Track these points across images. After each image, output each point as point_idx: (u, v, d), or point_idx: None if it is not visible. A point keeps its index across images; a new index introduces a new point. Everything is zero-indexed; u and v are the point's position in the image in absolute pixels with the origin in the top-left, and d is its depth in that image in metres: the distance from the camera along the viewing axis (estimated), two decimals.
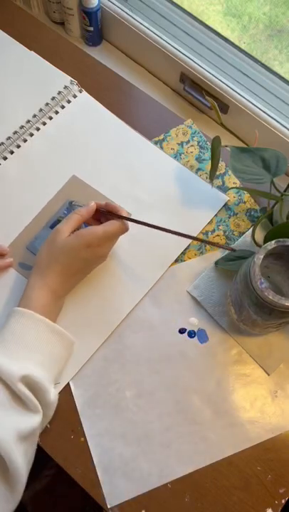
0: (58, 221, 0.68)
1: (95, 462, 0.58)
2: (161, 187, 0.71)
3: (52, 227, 0.67)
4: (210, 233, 0.70)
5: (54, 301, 0.59)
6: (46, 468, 0.89)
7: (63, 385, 0.60)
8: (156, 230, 0.68)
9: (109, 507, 0.56)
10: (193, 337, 0.64)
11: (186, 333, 0.64)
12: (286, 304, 0.50)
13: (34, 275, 0.60)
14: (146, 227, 0.61)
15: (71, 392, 0.60)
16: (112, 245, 0.63)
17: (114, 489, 0.57)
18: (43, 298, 0.58)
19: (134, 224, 0.68)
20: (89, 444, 0.58)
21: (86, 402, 0.60)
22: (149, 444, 0.59)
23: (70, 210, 0.68)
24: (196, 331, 0.64)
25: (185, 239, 0.68)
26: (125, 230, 0.61)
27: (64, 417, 0.59)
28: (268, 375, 0.62)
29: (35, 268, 0.60)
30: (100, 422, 0.59)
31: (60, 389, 0.60)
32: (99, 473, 0.57)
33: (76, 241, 0.58)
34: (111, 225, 0.60)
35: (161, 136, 0.75)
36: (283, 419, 0.61)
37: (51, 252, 0.59)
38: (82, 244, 0.58)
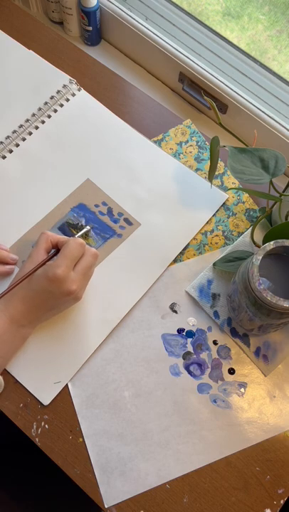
0: (68, 223, 0.68)
1: (92, 462, 0.58)
2: (160, 185, 0.71)
3: (59, 228, 0.67)
4: (209, 233, 0.70)
5: (14, 330, 0.57)
6: (44, 469, 0.89)
7: (63, 386, 0.60)
8: (155, 231, 0.69)
9: (106, 507, 0.56)
10: (191, 337, 0.64)
11: (185, 332, 0.64)
12: (284, 305, 0.50)
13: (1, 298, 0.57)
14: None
15: (69, 392, 0.60)
16: (77, 279, 0.57)
17: (112, 489, 0.57)
18: (1, 325, 0.56)
19: (135, 225, 0.68)
20: (86, 443, 0.58)
21: (84, 402, 0.60)
22: (147, 444, 0.59)
23: (79, 213, 0.68)
24: (194, 331, 0.64)
25: (184, 239, 0.68)
26: (81, 246, 0.58)
27: (62, 418, 0.59)
28: (265, 376, 0.62)
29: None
30: (98, 422, 0.59)
31: (60, 389, 0.60)
32: (96, 473, 0.57)
33: (42, 271, 0.56)
34: (65, 247, 0.57)
35: (160, 136, 0.75)
36: (281, 419, 0.61)
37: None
38: (47, 277, 0.55)
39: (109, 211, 0.69)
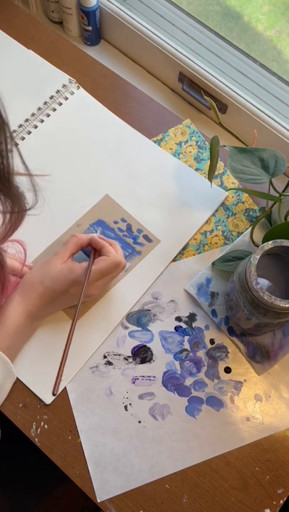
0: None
1: (86, 456, 0.57)
2: (160, 183, 0.71)
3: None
4: (208, 233, 0.69)
5: (28, 323, 0.58)
6: (44, 469, 0.89)
7: (65, 384, 0.60)
8: (157, 230, 0.68)
9: (98, 501, 0.56)
10: (188, 335, 0.64)
11: (182, 330, 0.64)
12: (281, 304, 0.50)
13: (17, 291, 0.58)
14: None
15: (68, 393, 0.60)
16: (101, 286, 0.60)
17: (105, 484, 0.56)
18: (18, 317, 0.57)
19: (137, 221, 0.68)
20: (81, 437, 0.58)
21: (79, 397, 0.60)
22: (141, 440, 0.58)
23: (96, 230, 0.68)
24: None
25: (184, 238, 0.68)
26: (117, 265, 0.59)
27: (61, 418, 0.59)
28: (258, 375, 0.62)
29: (21, 283, 0.59)
30: (93, 417, 0.59)
31: (62, 388, 0.60)
32: (90, 468, 0.57)
33: (67, 273, 0.58)
34: (101, 262, 0.59)
35: (160, 136, 0.75)
36: (276, 419, 0.60)
37: (42, 272, 0.58)
38: (71, 280, 0.57)
39: (129, 228, 0.68)
